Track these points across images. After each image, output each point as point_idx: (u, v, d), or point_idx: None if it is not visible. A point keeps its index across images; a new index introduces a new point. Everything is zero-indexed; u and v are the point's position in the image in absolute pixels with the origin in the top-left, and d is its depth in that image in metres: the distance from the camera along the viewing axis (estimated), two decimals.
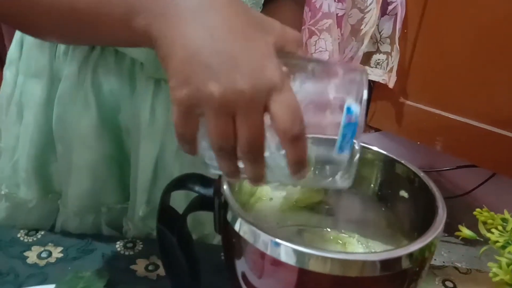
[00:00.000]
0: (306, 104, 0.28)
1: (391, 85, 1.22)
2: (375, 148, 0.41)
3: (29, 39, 0.51)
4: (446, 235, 1.68)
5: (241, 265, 0.34)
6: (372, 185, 0.42)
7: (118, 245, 0.54)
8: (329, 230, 0.46)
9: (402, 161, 0.40)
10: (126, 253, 0.53)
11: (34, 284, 0.46)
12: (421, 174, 0.38)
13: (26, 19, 0.38)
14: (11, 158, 0.55)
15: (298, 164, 0.29)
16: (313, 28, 1.10)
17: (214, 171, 0.32)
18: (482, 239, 0.36)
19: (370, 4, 1.16)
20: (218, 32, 0.28)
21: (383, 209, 0.42)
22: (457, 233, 0.35)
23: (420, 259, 0.31)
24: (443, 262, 1.36)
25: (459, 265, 0.57)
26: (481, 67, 1.12)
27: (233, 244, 0.34)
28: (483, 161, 1.14)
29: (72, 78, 0.49)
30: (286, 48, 0.30)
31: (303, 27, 1.09)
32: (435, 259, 1.29)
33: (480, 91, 1.14)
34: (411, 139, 1.31)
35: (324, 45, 1.10)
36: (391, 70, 1.21)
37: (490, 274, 0.33)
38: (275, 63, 0.28)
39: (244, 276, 0.34)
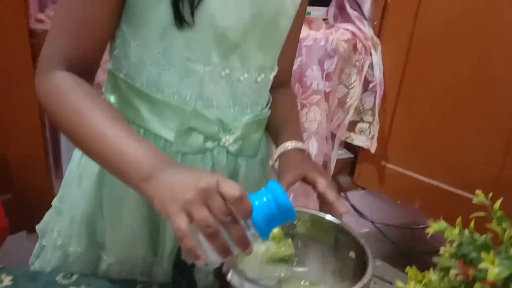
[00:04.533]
0: None
1: (372, 150, 1.38)
2: (328, 217, 0.56)
3: None
4: None
5: None
6: (330, 246, 0.57)
7: None
8: (302, 282, 0.60)
9: (349, 230, 0.55)
10: None
11: None
12: (362, 242, 0.53)
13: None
14: (69, 215, 0.70)
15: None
16: (304, 102, 1.28)
17: (211, 267, 0.47)
18: None
19: (353, 82, 1.36)
20: (176, 178, 0.47)
21: (339, 263, 0.56)
22: (427, 230, 0.46)
23: None
24: None
25: None
26: (451, 137, 1.28)
27: None
28: (454, 220, 1.27)
29: None
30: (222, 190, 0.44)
31: None
32: None
33: (450, 158, 1.29)
34: (392, 198, 1.45)
35: (313, 116, 1.28)
36: (372, 137, 1.38)
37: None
38: (216, 173, 0.47)
39: None
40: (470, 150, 1.25)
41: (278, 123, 0.74)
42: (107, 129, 0.52)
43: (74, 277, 0.67)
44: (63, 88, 0.55)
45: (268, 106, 0.73)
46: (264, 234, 0.46)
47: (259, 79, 0.67)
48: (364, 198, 1.57)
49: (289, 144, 0.68)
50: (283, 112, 0.75)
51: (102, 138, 0.51)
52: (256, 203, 0.46)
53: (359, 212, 1.55)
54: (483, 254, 0.36)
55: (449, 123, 1.28)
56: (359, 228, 1.65)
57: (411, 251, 1.63)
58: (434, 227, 0.43)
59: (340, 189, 1.54)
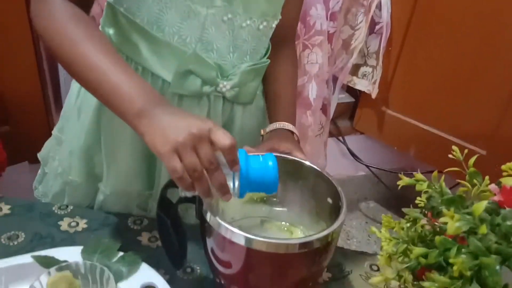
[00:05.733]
0: None
1: (373, 95, 1.36)
2: (308, 163, 0.57)
3: None
4: None
5: (209, 243, 0.51)
6: (309, 190, 0.58)
7: (129, 221, 0.71)
8: (283, 222, 0.63)
9: (329, 177, 0.56)
10: (134, 227, 0.70)
11: (66, 246, 0.63)
12: (339, 189, 0.54)
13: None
14: (69, 146, 0.73)
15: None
16: (306, 43, 1.24)
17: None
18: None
19: (360, 22, 1.30)
20: (168, 119, 0.47)
21: (316, 205, 0.58)
22: (398, 182, 0.48)
23: (325, 241, 0.48)
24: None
25: None
26: (453, 87, 1.26)
27: (205, 228, 0.51)
28: (447, 168, 1.28)
29: None
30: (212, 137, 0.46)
31: (297, 42, 1.24)
32: None
33: (451, 108, 1.27)
34: (389, 144, 1.46)
35: (315, 58, 1.24)
36: (375, 82, 1.35)
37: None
38: (208, 120, 0.47)
39: (212, 250, 0.51)
40: (470, 102, 1.24)
41: (275, 96, 0.74)
42: (102, 61, 0.52)
43: (69, 208, 0.71)
44: (59, 17, 0.54)
45: (267, 55, 0.72)
46: (242, 193, 0.49)
47: (261, 26, 0.66)
48: (362, 143, 1.58)
49: (284, 125, 0.70)
50: (282, 85, 0.75)
51: (97, 70, 0.51)
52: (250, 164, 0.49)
53: (356, 156, 1.57)
54: (444, 209, 0.37)
55: (452, 74, 1.25)
56: (354, 171, 1.69)
57: (404, 195, 1.66)
58: (405, 180, 0.44)
59: (339, 133, 1.54)
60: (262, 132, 0.71)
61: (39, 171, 0.83)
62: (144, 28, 0.61)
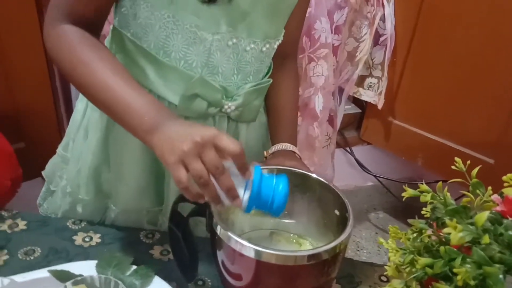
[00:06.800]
0: None
1: (379, 106, 1.37)
2: (314, 175, 0.59)
3: None
4: None
5: (220, 255, 0.52)
6: (316, 202, 0.59)
7: (141, 235, 0.72)
8: (291, 234, 0.64)
9: (335, 188, 0.57)
10: (146, 241, 0.71)
11: (80, 260, 0.65)
12: (345, 200, 0.55)
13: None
14: (76, 166, 0.74)
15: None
16: (312, 55, 1.26)
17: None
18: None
19: (364, 34, 1.32)
20: (175, 130, 0.50)
21: (323, 217, 0.59)
22: (403, 194, 0.49)
23: (333, 253, 0.49)
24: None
25: None
26: (458, 96, 1.26)
27: (215, 241, 0.52)
28: (455, 178, 1.28)
29: None
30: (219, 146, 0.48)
31: (302, 55, 1.26)
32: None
33: (456, 116, 1.28)
34: (396, 154, 1.46)
35: (320, 71, 1.26)
36: (380, 93, 1.36)
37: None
38: (212, 127, 0.49)
39: (222, 262, 0.53)
40: (477, 111, 1.24)
41: (277, 114, 0.76)
42: (112, 81, 0.54)
43: (83, 223, 0.73)
44: (68, 40, 0.57)
45: (269, 74, 0.73)
46: (249, 208, 0.50)
47: (264, 48, 0.67)
48: (369, 153, 1.58)
49: (286, 146, 0.71)
50: (284, 103, 0.77)
51: (108, 89, 0.54)
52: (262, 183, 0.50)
53: (363, 166, 1.57)
54: (447, 220, 0.38)
55: (457, 83, 1.26)
56: (362, 182, 1.69)
57: (412, 205, 1.66)
58: (410, 192, 0.45)
59: (346, 144, 1.55)
60: (265, 153, 0.73)
61: (43, 188, 0.84)
62: (150, 53, 0.63)
